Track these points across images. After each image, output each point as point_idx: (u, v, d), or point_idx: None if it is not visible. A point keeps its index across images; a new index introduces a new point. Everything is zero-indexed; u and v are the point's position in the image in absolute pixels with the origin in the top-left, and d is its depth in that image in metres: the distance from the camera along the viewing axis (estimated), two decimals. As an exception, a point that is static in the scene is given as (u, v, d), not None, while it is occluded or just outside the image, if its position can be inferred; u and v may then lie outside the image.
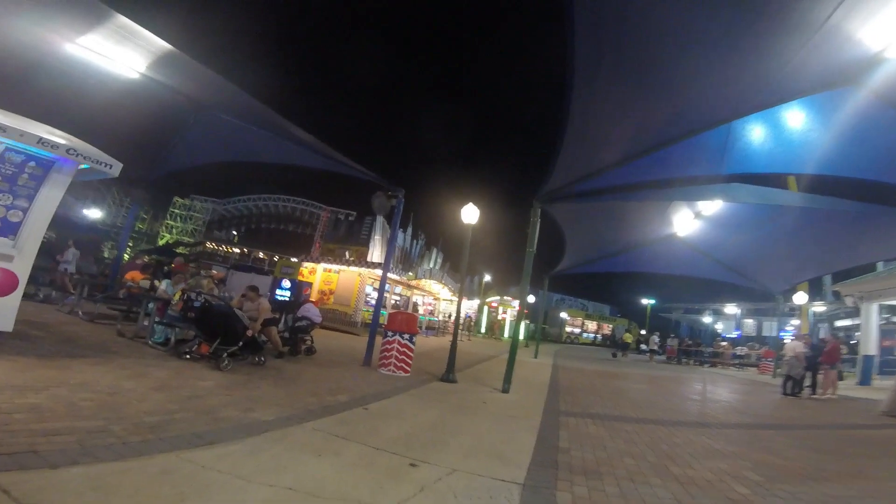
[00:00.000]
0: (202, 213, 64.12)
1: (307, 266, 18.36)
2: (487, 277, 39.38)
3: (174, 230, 62.79)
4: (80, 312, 8.59)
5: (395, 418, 4.57)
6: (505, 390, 7.03)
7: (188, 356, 6.02)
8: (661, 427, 5.82)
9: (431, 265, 24.80)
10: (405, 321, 7.53)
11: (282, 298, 15.52)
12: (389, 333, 7.40)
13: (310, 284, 17.17)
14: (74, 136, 5.60)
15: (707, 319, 40.26)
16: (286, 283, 16.33)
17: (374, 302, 18.53)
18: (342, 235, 21.51)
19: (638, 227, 13.91)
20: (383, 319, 10.15)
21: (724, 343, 25.59)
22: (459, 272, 8.41)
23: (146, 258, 11.83)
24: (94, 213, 34.44)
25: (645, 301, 44.01)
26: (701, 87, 6.50)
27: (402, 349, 7.30)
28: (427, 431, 4.23)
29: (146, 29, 5.54)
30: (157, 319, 6.92)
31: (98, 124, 8.30)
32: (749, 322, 38.29)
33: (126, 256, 16.15)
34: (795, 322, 34.42)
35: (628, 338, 29.47)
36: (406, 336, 7.35)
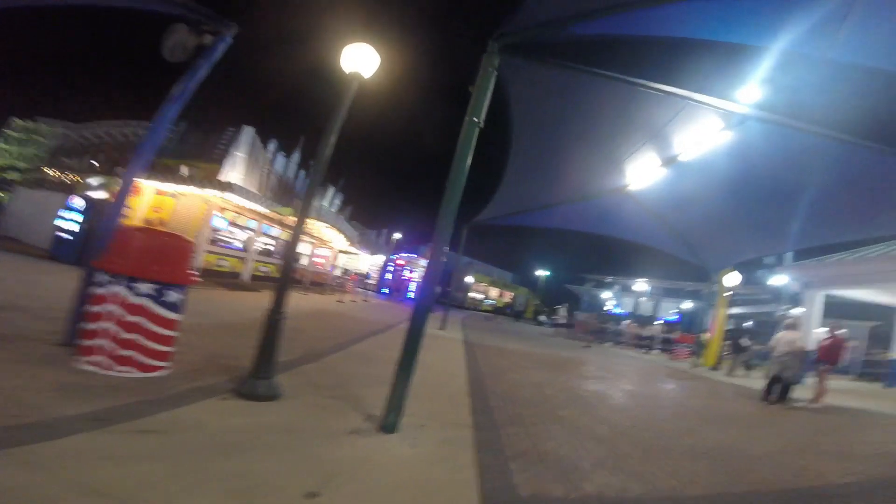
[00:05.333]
0: (49, 137, 51.73)
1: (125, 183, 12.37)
2: (398, 235, 35.55)
3: (8, 155, 51.07)
4: None
5: None
6: (387, 427, 3.04)
7: None
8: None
9: (326, 205, 19.67)
10: (148, 250, 3.06)
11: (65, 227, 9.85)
12: (106, 278, 2.91)
13: (120, 206, 11.35)
14: None
15: (607, 294, 40.55)
16: (76, 202, 10.46)
17: (227, 242, 13.25)
18: (190, 149, 15.51)
19: (594, 169, 10.62)
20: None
21: (631, 323, 24.47)
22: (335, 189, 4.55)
23: None
24: None
25: (541, 272, 43.12)
26: None
27: (133, 316, 2.87)
28: None
29: None
30: None
31: None
32: (643, 301, 39.31)
33: None
34: (686, 306, 35.60)
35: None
36: (148, 287, 2.91)
